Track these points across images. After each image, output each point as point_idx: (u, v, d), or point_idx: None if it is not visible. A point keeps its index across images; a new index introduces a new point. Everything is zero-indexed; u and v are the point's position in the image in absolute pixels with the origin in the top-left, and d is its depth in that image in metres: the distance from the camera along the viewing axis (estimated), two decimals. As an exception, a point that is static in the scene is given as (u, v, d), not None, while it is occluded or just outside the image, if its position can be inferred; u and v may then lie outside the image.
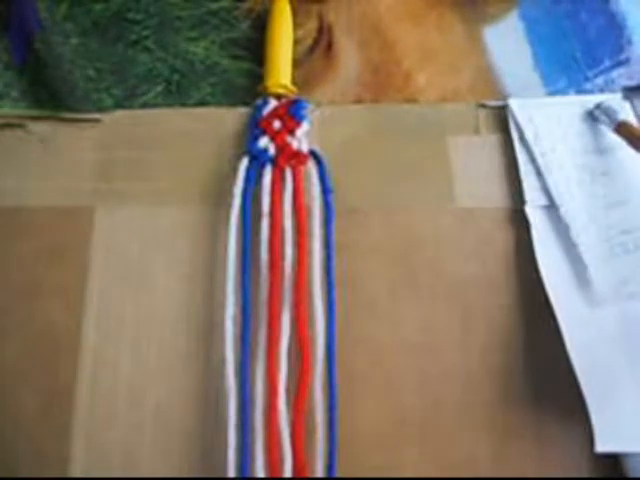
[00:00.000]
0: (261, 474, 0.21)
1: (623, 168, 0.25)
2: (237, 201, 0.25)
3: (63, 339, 0.24)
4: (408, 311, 0.24)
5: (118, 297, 0.25)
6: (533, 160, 0.25)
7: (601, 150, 0.26)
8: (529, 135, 0.26)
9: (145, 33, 0.30)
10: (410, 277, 0.25)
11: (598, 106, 0.26)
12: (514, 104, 0.26)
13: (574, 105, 0.27)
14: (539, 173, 0.25)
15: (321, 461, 0.22)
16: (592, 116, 0.26)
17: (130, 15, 0.30)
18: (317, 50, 0.30)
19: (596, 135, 0.26)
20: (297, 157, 0.25)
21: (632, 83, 0.28)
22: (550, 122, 0.26)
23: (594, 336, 0.23)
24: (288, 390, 0.22)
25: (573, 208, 0.24)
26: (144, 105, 0.29)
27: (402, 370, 0.24)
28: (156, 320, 0.24)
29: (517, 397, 0.23)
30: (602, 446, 0.21)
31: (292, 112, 0.26)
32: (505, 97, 0.28)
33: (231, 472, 0.21)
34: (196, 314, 0.24)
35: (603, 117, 0.26)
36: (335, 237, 0.24)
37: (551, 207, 0.25)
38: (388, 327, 0.24)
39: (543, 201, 0.25)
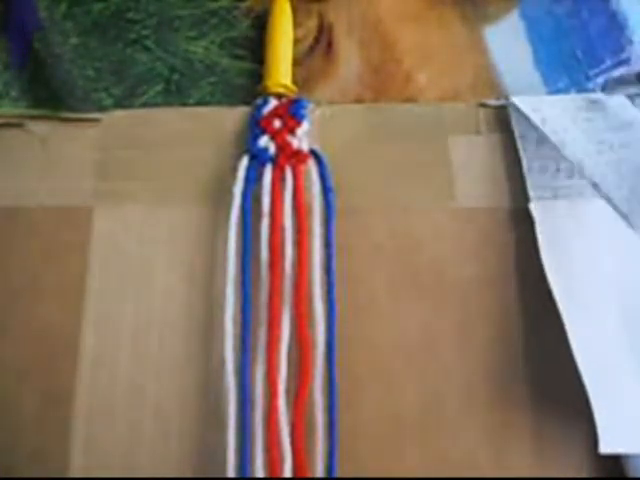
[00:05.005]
0: (261, 474, 0.21)
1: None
2: (237, 201, 0.25)
3: (62, 339, 0.24)
4: (408, 311, 0.24)
5: (117, 297, 0.25)
6: (537, 156, 0.25)
7: (616, 128, 0.25)
8: (536, 120, 0.25)
9: (144, 32, 0.30)
10: (410, 277, 0.25)
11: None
12: (516, 99, 0.26)
13: (577, 100, 0.26)
14: (543, 169, 0.25)
15: (321, 461, 0.22)
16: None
17: (129, 14, 0.30)
18: (317, 49, 0.30)
19: (613, 115, 0.25)
20: (297, 156, 0.25)
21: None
22: (556, 110, 0.26)
23: (600, 334, 0.22)
24: (288, 390, 0.22)
25: (598, 172, 0.24)
26: (144, 105, 0.29)
27: (402, 370, 0.24)
28: (156, 320, 0.24)
29: (517, 397, 0.23)
30: (606, 447, 0.20)
31: (292, 111, 0.26)
32: (506, 97, 0.27)
33: (231, 472, 0.21)
34: (196, 314, 0.24)
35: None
36: (335, 237, 0.24)
37: (556, 201, 0.24)
38: (388, 327, 0.24)
39: (548, 197, 0.25)
